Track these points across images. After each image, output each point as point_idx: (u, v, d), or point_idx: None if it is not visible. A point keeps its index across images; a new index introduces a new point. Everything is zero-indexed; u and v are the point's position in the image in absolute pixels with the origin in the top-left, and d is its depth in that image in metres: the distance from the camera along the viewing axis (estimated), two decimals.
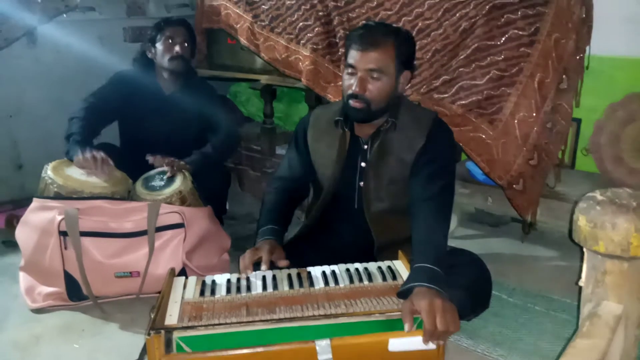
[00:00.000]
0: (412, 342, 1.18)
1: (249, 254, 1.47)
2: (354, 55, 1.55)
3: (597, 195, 0.88)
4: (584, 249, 0.90)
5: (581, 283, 0.93)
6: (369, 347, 1.18)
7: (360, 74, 1.53)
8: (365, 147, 1.64)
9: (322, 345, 1.15)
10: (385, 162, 1.61)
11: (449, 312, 1.19)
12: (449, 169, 1.61)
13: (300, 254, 1.58)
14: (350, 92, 1.55)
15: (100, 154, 1.97)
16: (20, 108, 2.66)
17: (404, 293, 1.26)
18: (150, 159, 2.12)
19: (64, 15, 2.64)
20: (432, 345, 1.17)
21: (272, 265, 1.47)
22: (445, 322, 1.16)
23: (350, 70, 1.56)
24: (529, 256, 2.27)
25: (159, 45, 2.27)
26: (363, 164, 1.64)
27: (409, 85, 2.03)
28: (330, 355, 1.15)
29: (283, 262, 1.47)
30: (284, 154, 1.86)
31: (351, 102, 1.56)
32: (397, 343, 1.18)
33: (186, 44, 2.29)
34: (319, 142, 1.70)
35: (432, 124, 1.61)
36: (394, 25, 1.70)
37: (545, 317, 1.80)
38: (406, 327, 1.17)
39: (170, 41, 2.25)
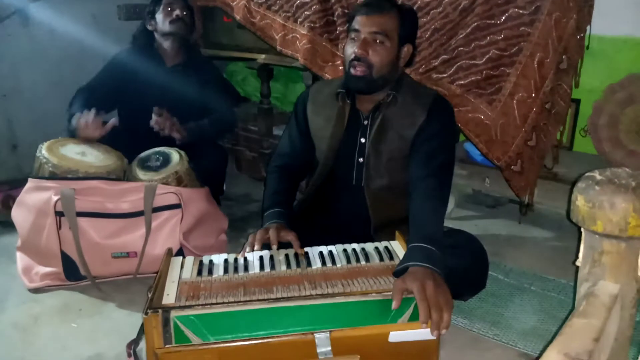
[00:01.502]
0: (412, 333, 1.17)
1: (259, 233, 1.46)
2: (358, 21, 1.57)
3: (596, 175, 0.88)
4: (582, 229, 0.90)
5: (578, 263, 0.93)
6: (368, 339, 1.17)
7: (364, 36, 1.55)
8: (366, 122, 1.63)
9: (321, 338, 1.15)
10: (385, 139, 1.60)
11: (441, 293, 1.18)
12: (449, 146, 1.60)
13: (298, 233, 1.57)
14: (352, 56, 1.55)
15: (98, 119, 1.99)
16: (15, 87, 2.64)
17: (399, 272, 1.25)
18: (154, 117, 2.12)
19: None
20: (432, 336, 1.16)
21: (283, 245, 1.47)
22: (438, 303, 1.15)
23: (353, 35, 1.58)
24: (526, 237, 2.28)
25: (159, 15, 2.28)
26: (363, 140, 1.63)
27: None
28: (329, 348, 1.15)
29: (296, 246, 1.46)
30: (284, 129, 1.84)
31: (352, 70, 1.56)
32: (398, 335, 1.17)
33: (185, 12, 2.30)
34: (319, 115, 1.69)
35: (434, 101, 1.61)
36: None
37: (541, 297, 1.81)
38: (394, 304, 1.16)
39: (169, 8, 2.27)
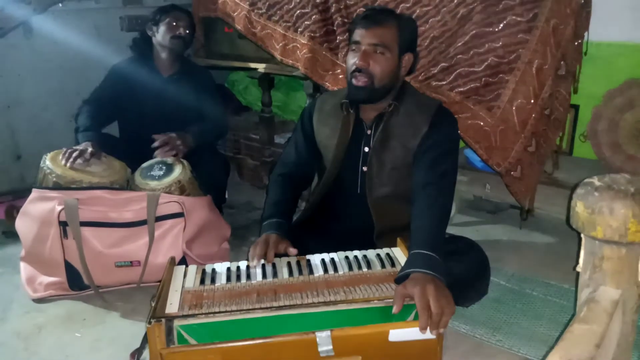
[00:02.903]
0: (412, 332, 1.18)
1: (258, 249, 1.45)
2: (358, 33, 1.59)
3: (595, 181, 0.88)
4: (582, 235, 0.90)
5: (579, 269, 0.94)
6: (369, 338, 1.18)
7: (365, 47, 1.57)
8: (369, 131, 1.65)
9: (323, 337, 1.15)
10: (388, 148, 1.62)
11: (443, 296, 1.19)
12: (452, 155, 1.61)
13: (301, 240, 1.59)
14: (354, 67, 1.57)
15: (87, 149, 1.95)
16: (18, 99, 2.66)
17: (401, 279, 1.26)
18: (156, 137, 2.13)
19: (60, 5, 2.62)
20: (431, 335, 1.17)
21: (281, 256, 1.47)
22: (440, 306, 1.17)
23: (354, 47, 1.60)
24: (527, 242, 2.28)
25: (162, 25, 2.29)
26: (366, 149, 1.65)
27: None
28: (330, 347, 1.15)
29: (293, 251, 1.47)
30: (289, 138, 1.86)
31: (354, 80, 1.57)
32: (398, 334, 1.18)
33: (187, 31, 2.33)
34: (324, 125, 1.71)
35: (437, 111, 1.62)
36: None
37: (543, 302, 1.81)
38: (395, 308, 1.18)
39: (174, 23, 2.29)
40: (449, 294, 1.22)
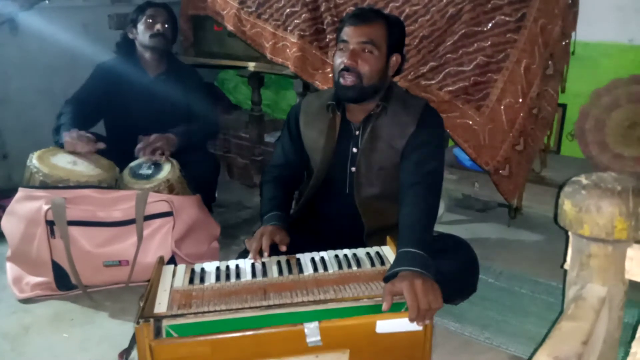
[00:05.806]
0: (399, 323, 1.19)
1: (255, 242, 1.46)
2: (347, 32, 1.58)
3: (583, 179, 0.89)
4: (569, 233, 0.91)
5: (566, 266, 0.95)
6: (357, 329, 1.19)
7: (353, 46, 1.56)
8: (357, 132, 1.65)
9: (311, 328, 1.16)
10: (376, 148, 1.62)
11: (431, 290, 1.21)
12: (438, 154, 1.62)
13: (291, 239, 1.59)
14: (342, 66, 1.57)
15: (88, 135, 1.96)
16: (5, 96, 2.62)
17: (389, 278, 1.27)
18: (139, 146, 2.10)
19: (47, 2, 2.59)
20: (418, 327, 1.19)
21: (275, 249, 1.47)
22: (427, 300, 1.18)
23: (342, 46, 1.59)
24: (515, 240, 2.30)
25: (140, 25, 2.26)
26: (354, 150, 1.65)
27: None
28: (318, 338, 1.16)
29: (283, 248, 1.47)
30: (277, 141, 1.85)
31: (342, 80, 1.57)
32: (385, 325, 1.19)
33: (167, 25, 2.28)
34: (311, 127, 1.71)
35: (423, 111, 1.62)
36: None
37: (531, 300, 1.83)
38: (384, 305, 1.19)
39: (151, 20, 2.25)
40: (437, 288, 1.23)
